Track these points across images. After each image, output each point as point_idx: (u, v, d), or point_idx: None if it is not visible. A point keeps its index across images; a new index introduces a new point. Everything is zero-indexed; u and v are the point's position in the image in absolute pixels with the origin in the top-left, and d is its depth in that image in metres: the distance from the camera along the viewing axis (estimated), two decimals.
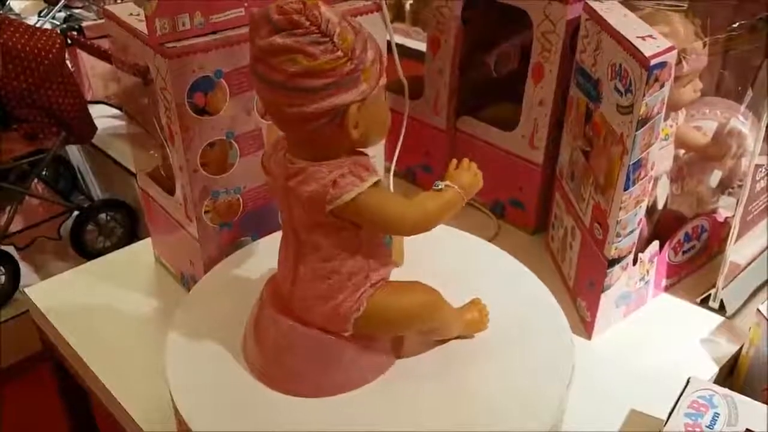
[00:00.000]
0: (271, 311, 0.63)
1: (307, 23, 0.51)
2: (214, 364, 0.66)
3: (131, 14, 0.75)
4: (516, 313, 0.72)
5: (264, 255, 0.78)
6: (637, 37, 0.69)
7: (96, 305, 0.86)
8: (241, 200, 0.79)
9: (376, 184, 0.56)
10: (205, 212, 0.76)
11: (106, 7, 0.79)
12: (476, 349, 0.68)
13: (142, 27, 0.70)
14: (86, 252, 1.88)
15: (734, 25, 0.79)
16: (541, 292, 0.75)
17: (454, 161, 0.63)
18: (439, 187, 0.60)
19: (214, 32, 0.70)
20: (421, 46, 1.05)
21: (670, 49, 0.67)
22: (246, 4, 0.71)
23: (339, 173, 0.55)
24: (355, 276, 0.60)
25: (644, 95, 0.67)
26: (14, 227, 1.78)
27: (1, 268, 1.72)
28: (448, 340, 0.68)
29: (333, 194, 0.55)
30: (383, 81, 0.57)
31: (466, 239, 0.84)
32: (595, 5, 0.78)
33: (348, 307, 0.60)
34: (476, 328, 0.69)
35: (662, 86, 0.68)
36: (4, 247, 1.74)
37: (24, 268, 1.80)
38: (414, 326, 0.65)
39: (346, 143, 0.57)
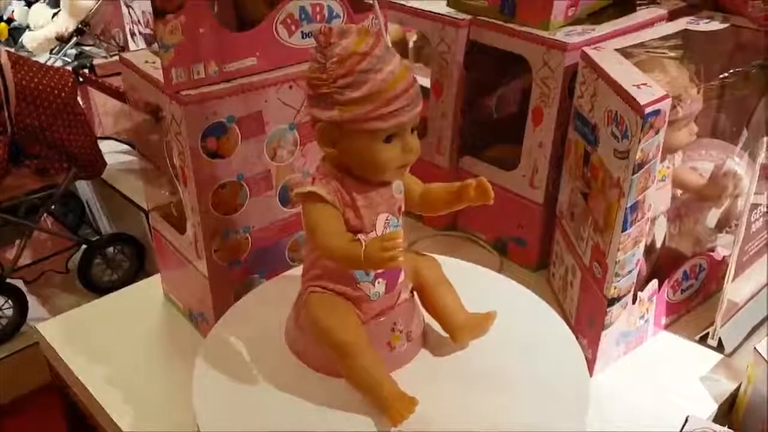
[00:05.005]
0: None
1: (323, 43, 0.60)
2: (244, 408, 0.66)
3: (146, 62, 0.78)
4: (533, 347, 0.72)
5: (280, 292, 0.77)
6: (633, 85, 0.72)
7: (106, 342, 0.88)
8: (250, 239, 0.81)
9: (318, 196, 0.62)
10: (215, 251, 0.78)
11: (123, 54, 0.82)
12: (490, 375, 0.68)
13: (157, 74, 0.72)
14: (94, 285, 1.89)
15: (728, 73, 0.82)
16: (561, 328, 0.75)
17: (400, 231, 0.67)
18: (356, 237, 0.63)
19: (227, 80, 0.73)
20: (425, 82, 1.07)
21: (664, 97, 0.69)
22: (258, 54, 0.74)
23: (311, 175, 0.65)
24: (313, 269, 0.67)
25: (640, 141, 0.69)
26: (23, 261, 1.80)
27: (10, 301, 1.74)
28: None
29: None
30: (374, 126, 0.60)
31: (489, 275, 0.84)
32: (592, 53, 0.81)
33: (303, 288, 0.68)
34: (390, 413, 0.62)
35: (657, 132, 0.70)
36: (12, 281, 1.76)
37: (32, 302, 1.81)
38: (318, 342, 0.65)
39: (329, 157, 0.64)
